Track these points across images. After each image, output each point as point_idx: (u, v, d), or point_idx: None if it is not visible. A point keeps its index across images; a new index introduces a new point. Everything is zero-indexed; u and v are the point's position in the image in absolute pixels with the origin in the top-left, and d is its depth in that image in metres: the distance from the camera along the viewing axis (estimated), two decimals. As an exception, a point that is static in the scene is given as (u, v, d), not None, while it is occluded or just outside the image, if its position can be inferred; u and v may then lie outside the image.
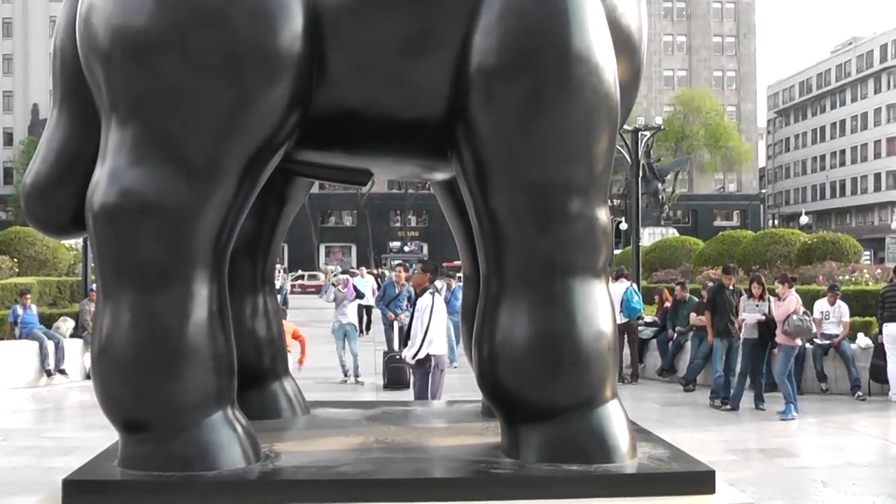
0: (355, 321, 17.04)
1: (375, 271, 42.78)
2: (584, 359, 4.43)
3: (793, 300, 12.46)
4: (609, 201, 4.85)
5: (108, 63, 4.37)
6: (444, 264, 49.01)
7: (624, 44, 4.76)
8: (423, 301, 9.86)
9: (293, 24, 4.33)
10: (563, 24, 4.42)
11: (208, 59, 4.25)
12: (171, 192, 4.23)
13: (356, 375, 15.65)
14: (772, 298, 12.87)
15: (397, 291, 16.42)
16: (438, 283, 16.21)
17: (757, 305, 12.78)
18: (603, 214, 4.58)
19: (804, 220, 62.98)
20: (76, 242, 26.33)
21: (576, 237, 4.45)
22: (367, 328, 24.32)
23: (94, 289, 14.46)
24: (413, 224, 78.54)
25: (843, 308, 14.43)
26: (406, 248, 74.30)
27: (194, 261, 4.30)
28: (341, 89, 4.52)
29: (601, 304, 4.54)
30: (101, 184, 4.31)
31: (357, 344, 16.13)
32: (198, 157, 4.28)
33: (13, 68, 78.08)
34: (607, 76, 4.51)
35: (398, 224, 78.03)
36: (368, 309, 23.95)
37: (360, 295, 17.78)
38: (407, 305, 16.16)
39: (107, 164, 4.35)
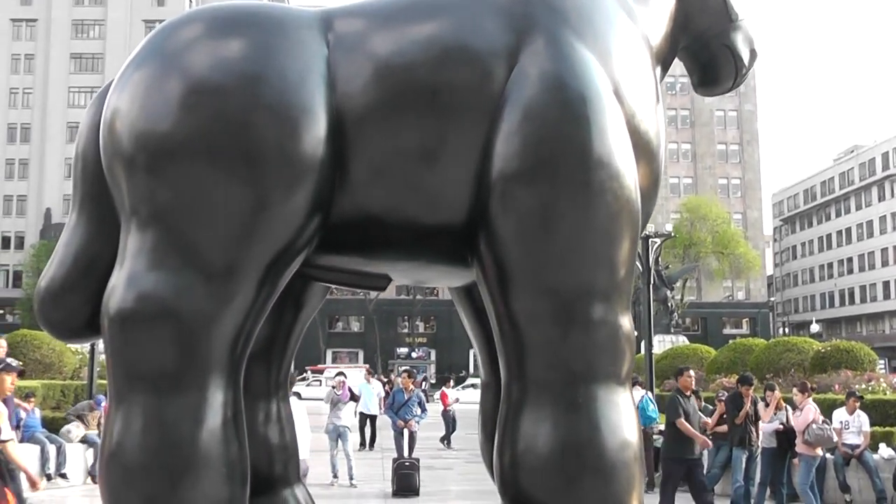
0: (349, 423, 16.95)
1: (384, 378, 42.02)
2: (609, 468, 4.31)
3: (811, 409, 12.30)
4: None
5: (131, 167, 4.37)
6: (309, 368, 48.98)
7: (643, 149, 4.76)
8: None
9: (317, 128, 4.34)
10: (584, 130, 4.44)
11: (230, 164, 4.26)
12: (189, 297, 4.17)
13: (350, 478, 15.35)
14: (788, 407, 12.67)
15: (406, 398, 16.20)
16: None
17: (774, 414, 12.56)
18: (626, 321, 4.53)
19: (815, 328, 62.60)
20: (82, 346, 26.26)
21: (599, 343, 4.40)
22: (372, 442, 22.36)
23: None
24: (421, 330, 78.21)
25: (862, 417, 14.09)
26: (414, 354, 73.74)
27: (210, 366, 4.22)
28: (363, 194, 4.49)
29: (625, 412, 4.46)
30: (119, 288, 4.27)
31: (350, 445, 16.03)
32: (217, 261, 4.23)
33: (28, 172, 79.34)
34: (628, 181, 4.52)
35: (406, 330, 77.64)
36: (373, 419, 22.45)
37: (354, 397, 17.78)
38: (418, 411, 15.99)
39: (125, 268, 4.31)
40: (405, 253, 4.85)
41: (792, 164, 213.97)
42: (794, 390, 13.02)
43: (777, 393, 12.92)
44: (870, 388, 18.28)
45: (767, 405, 12.63)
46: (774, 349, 23.86)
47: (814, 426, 12.01)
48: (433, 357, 73.33)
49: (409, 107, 4.48)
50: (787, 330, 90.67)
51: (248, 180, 4.24)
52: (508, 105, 4.47)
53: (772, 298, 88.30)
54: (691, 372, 11.82)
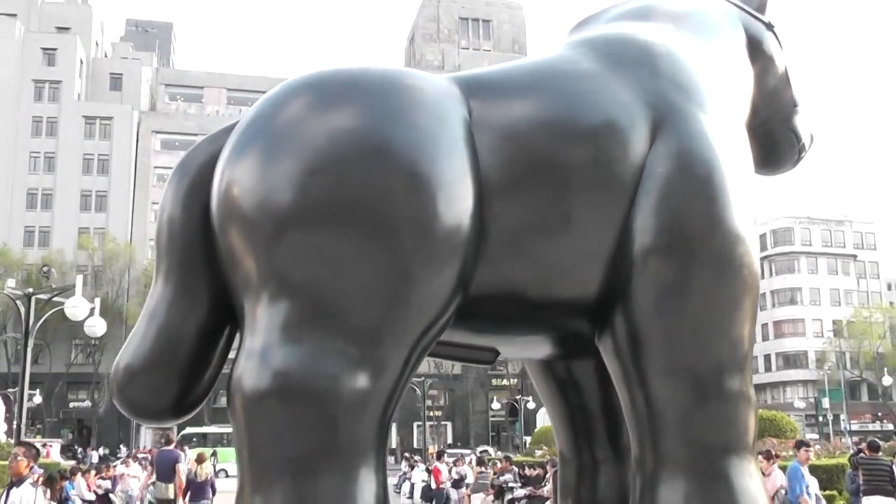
0: None
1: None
2: None
3: (777, 475, 12.47)
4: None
5: (258, 237, 4.01)
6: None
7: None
8: (23, 494, 8.39)
9: (467, 198, 4.14)
10: (726, 206, 4.57)
11: (385, 235, 3.97)
12: (338, 373, 3.83)
13: None
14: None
15: None
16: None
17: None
18: (752, 391, 4.68)
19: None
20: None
21: (732, 416, 4.51)
22: None
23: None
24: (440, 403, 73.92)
25: (812, 480, 14.22)
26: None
27: (362, 446, 3.90)
28: (501, 267, 4.33)
29: (757, 482, 4.55)
30: (252, 365, 3.88)
31: None
32: (368, 334, 3.92)
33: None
34: (756, 255, 4.71)
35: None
36: None
37: None
38: None
39: (257, 343, 3.92)
40: (529, 326, 4.77)
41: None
42: (760, 457, 12.96)
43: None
44: (794, 455, 18.71)
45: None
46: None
47: (782, 492, 12.15)
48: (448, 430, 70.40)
49: (552, 179, 4.40)
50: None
51: (403, 251, 3.98)
52: (650, 180, 4.50)
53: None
54: None
